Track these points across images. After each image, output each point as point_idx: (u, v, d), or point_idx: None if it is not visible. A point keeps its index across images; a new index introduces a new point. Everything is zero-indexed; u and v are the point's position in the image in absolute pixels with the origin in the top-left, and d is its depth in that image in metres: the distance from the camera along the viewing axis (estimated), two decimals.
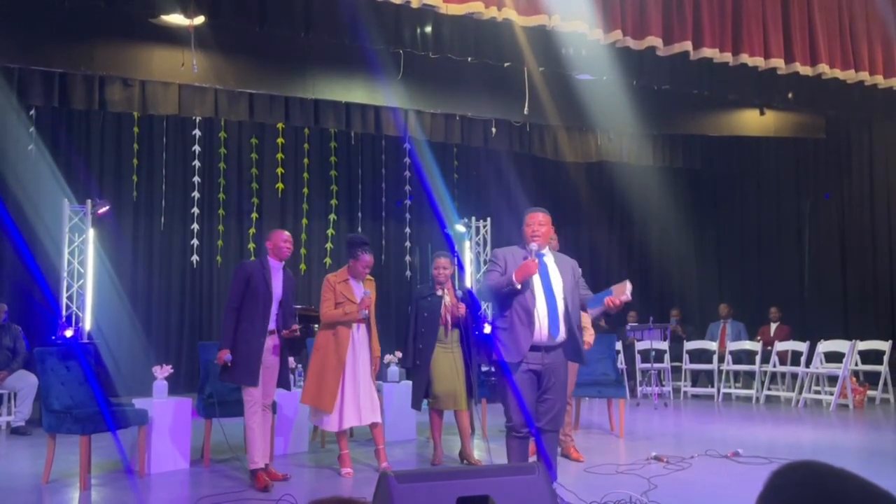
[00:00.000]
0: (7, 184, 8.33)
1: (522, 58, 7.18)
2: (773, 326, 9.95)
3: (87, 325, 7.95)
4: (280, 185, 10.38)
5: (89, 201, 8.13)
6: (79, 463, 4.76)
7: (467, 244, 10.59)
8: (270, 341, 4.92)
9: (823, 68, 7.55)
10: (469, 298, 5.63)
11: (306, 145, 10.53)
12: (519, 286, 3.96)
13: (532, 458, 4.12)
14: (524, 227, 4.18)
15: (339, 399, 5.05)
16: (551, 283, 4.07)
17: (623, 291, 4.09)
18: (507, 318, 4.04)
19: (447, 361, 5.40)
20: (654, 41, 6.88)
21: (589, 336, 5.44)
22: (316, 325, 8.16)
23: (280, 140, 10.32)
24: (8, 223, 7.86)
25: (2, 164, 8.41)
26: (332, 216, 10.69)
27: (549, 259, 4.15)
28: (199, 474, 5.19)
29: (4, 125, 8.40)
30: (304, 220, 10.54)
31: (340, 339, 5.08)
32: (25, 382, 6.97)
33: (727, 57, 7.21)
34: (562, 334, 4.05)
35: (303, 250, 10.49)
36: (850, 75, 7.76)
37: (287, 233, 5.17)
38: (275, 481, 4.84)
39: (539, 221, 4.15)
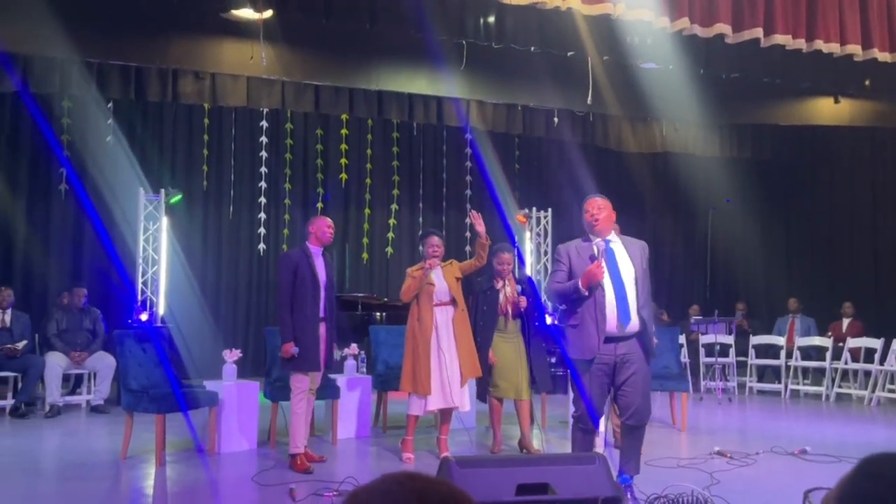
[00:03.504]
0: (88, 173, 8.74)
1: (586, 47, 7.11)
2: (846, 322, 9.61)
3: (161, 309, 8.29)
4: (344, 176, 10.56)
5: (163, 190, 8.45)
6: (154, 440, 5.00)
7: (528, 235, 10.57)
8: (320, 328, 5.03)
9: None
10: (529, 287, 5.65)
11: (369, 136, 10.68)
12: (587, 293, 3.87)
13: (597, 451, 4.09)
14: (583, 216, 4.07)
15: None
16: (619, 271, 3.94)
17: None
18: (579, 314, 3.93)
19: (509, 351, 5.44)
20: (723, 28, 6.71)
21: None
22: (378, 314, 8.32)
23: (344, 131, 10.49)
24: (89, 211, 8.25)
25: (83, 154, 8.83)
26: (394, 206, 10.83)
27: (617, 244, 4.03)
28: (266, 455, 5.38)
29: (85, 117, 8.81)
30: (367, 210, 10.70)
31: (425, 325, 5.16)
32: (104, 363, 7.31)
33: (800, 43, 6.97)
34: (633, 323, 3.91)
35: (365, 240, 10.66)
36: None
37: (330, 219, 5.28)
38: (311, 462, 4.97)
39: (598, 206, 4.01)
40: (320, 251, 5.14)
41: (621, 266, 3.97)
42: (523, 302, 5.42)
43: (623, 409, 3.99)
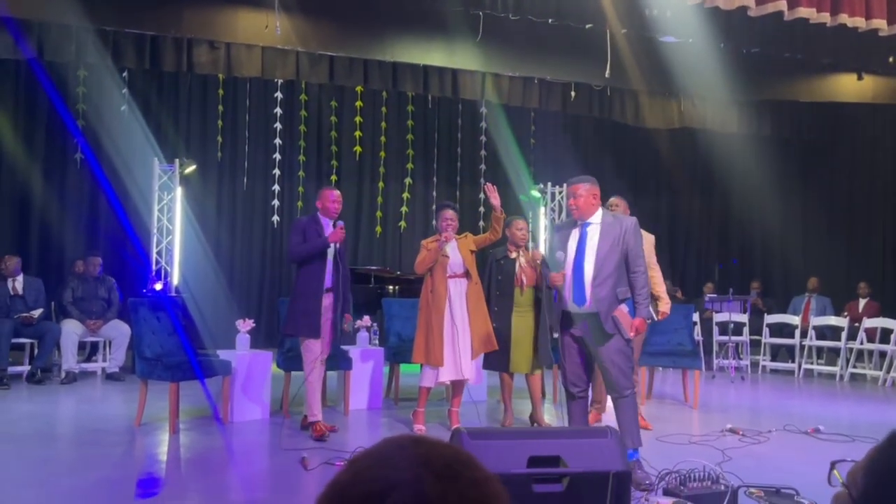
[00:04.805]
0: (102, 143, 8.75)
1: (604, 19, 7.01)
2: (862, 302, 9.52)
3: (175, 279, 8.33)
4: (358, 149, 10.51)
5: (177, 161, 8.45)
6: (168, 408, 5.04)
7: (542, 210, 10.50)
8: (327, 298, 5.04)
9: None
10: (544, 267, 5.61)
11: (384, 109, 10.61)
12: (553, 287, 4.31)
13: (595, 423, 4.20)
14: None
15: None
16: (584, 253, 4.13)
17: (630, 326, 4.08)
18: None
19: (520, 325, 5.42)
20: (746, 1, 6.57)
21: (664, 306, 5.37)
22: (391, 287, 8.32)
23: (359, 103, 10.43)
24: (104, 180, 8.27)
25: (97, 123, 8.83)
26: (408, 180, 10.78)
27: (594, 228, 4.17)
28: (279, 424, 5.41)
29: (100, 86, 8.79)
30: (381, 184, 10.66)
31: (438, 297, 5.15)
32: (119, 331, 7.37)
33: (824, 17, 6.83)
34: (588, 304, 4.08)
35: (378, 213, 10.65)
36: None
37: (336, 191, 5.26)
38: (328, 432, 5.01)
39: (572, 194, 4.22)
40: (330, 223, 5.12)
41: (587, 251, 4.14)
42: (538, 256, 5.44)
43: (603, 380, 4.26)
